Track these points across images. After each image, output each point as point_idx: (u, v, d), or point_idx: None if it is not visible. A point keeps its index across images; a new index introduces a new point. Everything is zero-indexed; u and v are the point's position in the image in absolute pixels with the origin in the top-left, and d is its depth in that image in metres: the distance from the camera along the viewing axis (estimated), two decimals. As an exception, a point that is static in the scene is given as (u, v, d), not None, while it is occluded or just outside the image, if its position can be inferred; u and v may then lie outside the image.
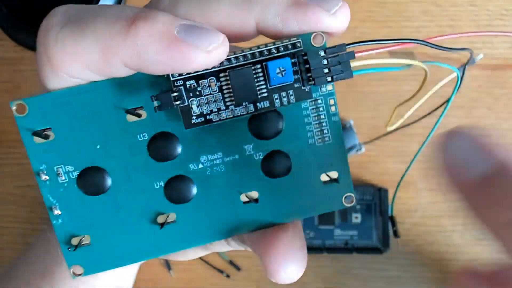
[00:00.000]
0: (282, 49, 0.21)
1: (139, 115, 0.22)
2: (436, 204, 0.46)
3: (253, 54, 0.21)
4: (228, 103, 0.21)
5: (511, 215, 0.15)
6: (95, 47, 0.20)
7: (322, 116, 0.22)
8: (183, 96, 0.21)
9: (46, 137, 0.22)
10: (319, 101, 0.22)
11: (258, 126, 0.22)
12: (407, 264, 0.46)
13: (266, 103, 0.21)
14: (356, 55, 0.21)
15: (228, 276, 0.47)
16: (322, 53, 0.21)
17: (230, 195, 0.23)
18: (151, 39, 0.19)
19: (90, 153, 0.22)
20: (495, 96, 0.47)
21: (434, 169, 0.17)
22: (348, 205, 0.23)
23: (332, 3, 0.21)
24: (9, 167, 0.47)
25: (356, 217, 0.44)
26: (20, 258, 0.40)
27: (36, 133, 0.22)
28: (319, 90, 0.22)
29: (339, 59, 0.21)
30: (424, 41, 0.21)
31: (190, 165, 0.22)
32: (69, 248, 0.23)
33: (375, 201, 0.44)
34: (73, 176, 0.22)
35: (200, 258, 0.47)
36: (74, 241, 0.23)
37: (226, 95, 0.21)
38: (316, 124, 0.22)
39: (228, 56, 0.21)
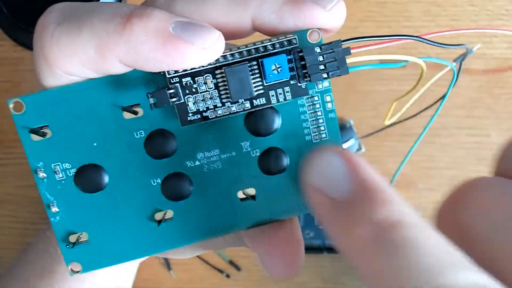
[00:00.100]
0: (278, 45, 0.21)
1: (135, 113, 0.22)
2: (436, 204, 0.46)
3: (249, 51, 0.21)
4: (224, 100, 0.21)
5: (359, 238, 0.15)
6: (91, 44, 0.20)
7: (319, 113, 0.22)
8: (179, 93, 0.21)
9: (43, 134, 0.22)
10: (316, 98, 0.22)
11: (254, 123, 0.22)
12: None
13: (262, 100, 0.21)
14: (352, 51, 0.21)
15: (228, 276, 0.47)
16: (318, 50, 0.21)
17: (227, 192, 0.23)
18: (146, 36, 0.19)
19: (87, 150, 0.22)
20: (495, 96, 0.47)
21: (300, 184, 0.16)
22: None
23: None
24: (9, 167, 0.47)
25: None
26: (20, 257, 0.40)
27: (34, 131, 0.22)
28: (316, 86, 0.22)
29: (335, 56, 0.21)
30: (420, 37, 0.21)
31: (187, 162, 0.22)
32: (67, 245, 0.23)
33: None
34: (70, 173, 0.22)
35: (200, 258, 0.47)
36: (72, 238, 0.23)
37: (222, 92, 0.21)
38: (313, 120, 0.22)
39: (224, 53, 0.21)
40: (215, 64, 0.21)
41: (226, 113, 0.21)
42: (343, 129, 0.45)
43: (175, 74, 0.21)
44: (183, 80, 0.21)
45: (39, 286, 0.37)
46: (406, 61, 0.22)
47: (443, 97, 0.24)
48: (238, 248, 0.47)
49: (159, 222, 0.23)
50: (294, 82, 0.21)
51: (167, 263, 0.47)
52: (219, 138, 0.22)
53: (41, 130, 0.22)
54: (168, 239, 0.23)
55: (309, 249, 0.45)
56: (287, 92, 0.21)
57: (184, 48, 0.19)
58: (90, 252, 0.23)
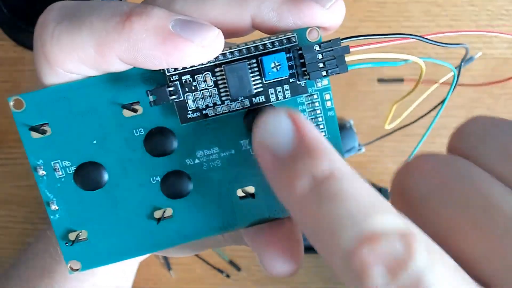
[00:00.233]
0: (277, 44, 0.21)
1: (135, 110, 0.22)
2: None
3: (248, 49, 0.21)
4: (223, 98, 0.21)
5: (297, 191, 0.16)
6: (91, 42, 0.20)
7: (318, 111, 0.22)
8: (179, 91, 0.21)
9: (43, 132, 0.22)
10: (315, 96, 0.22)
11: (253, 121, 0.22)
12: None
13: (262, 98, 0.21)
14: (351, 50, 0.21)
15: (228, 276, 0.47)
16: (317, 48, 0.21)
17: (226, 190, 0.23)
18: (146, 34, 0.19)
19: (87, 148, 0.22)
20: (495, 96, 0.47)
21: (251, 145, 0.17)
22: None
23: None
24: (9, 167, 0.47)
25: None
26: (19, 257, 0.40)
27: (33, 128, 0.22)
28: (315, 85, 0.22)
29: (334, 54, 0.21)
30: (420, 36, 0.21)
31: (186, 160, 0.23)
32: (66, 243, 0.23)
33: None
34: (70, 171, 0.22)
35: (200, 258, 0.47)
36: (72, 236, 0.23)
37: (221, 90, 0.21)
38: (312, 119, 0.22)
39: (223, 51, 0.21)
40: (214, 62, 0.21)
41: (225, 111, 0.21)
42: (343, 129, 0.45)
43: (175, 72, 0.21)
44: (183, 78, 0.21)
45: (39, 286, 0.37)
46: (406, 60, 0.22)
47: (443, 101, 0.24)
48: (238, 248, 0.47)
49: (159, 220, 0.23)
50: (294, 80, 0.21)
51: (167, 263, 0.47)
52: (218, 136, 0.22)
53: (41, 128, 0.22)
54: (167, 237, 0.23)
55: (309, 249, 0.45)
56: (286, 90, 0.21)
57: (184, 46, 0.19)
58: (90, 250, 0.23)
